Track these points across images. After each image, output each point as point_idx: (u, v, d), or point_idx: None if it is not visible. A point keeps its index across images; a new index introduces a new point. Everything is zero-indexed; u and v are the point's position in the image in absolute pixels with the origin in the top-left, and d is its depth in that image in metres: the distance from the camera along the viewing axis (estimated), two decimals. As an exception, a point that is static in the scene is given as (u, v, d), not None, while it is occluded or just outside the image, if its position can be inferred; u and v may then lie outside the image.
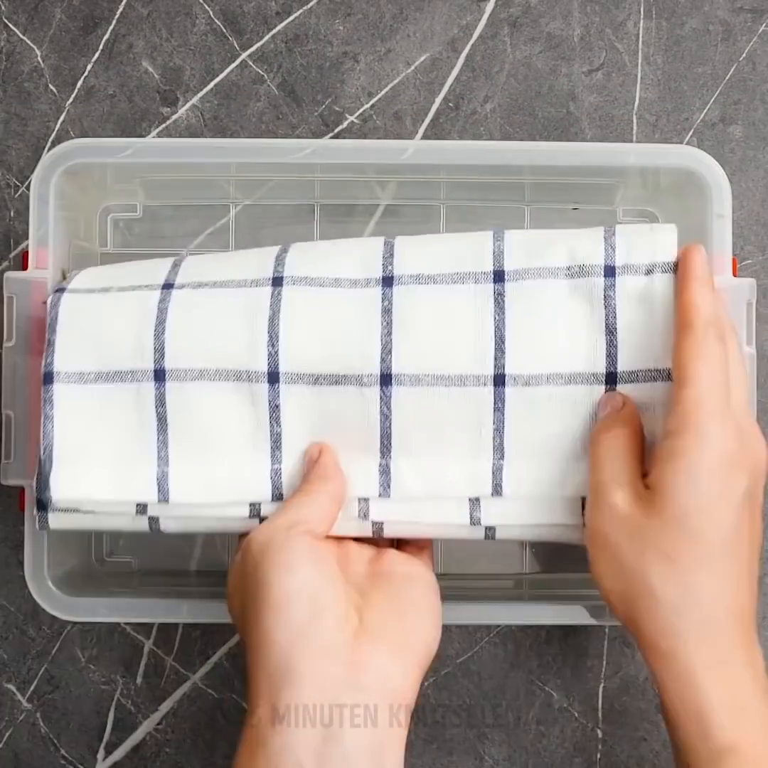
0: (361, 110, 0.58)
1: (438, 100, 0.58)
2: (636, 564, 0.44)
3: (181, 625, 0.57)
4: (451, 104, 0.58)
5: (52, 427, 0.48)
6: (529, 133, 0.58)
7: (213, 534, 0.57)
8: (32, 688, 0.57)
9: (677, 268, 0.47)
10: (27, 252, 0.50)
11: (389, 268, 0.48)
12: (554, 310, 0.47)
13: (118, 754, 0.58)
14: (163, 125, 0.58)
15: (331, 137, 0.58)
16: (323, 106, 0.58)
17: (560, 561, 0.57)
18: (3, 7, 0.58)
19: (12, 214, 0.58)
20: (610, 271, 0.48)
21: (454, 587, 0.55)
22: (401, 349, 0.47)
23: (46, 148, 0.58)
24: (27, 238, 0.57)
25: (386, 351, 0.47)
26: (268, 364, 0.47)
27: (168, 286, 0.49)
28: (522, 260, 0.48)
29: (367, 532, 0.49)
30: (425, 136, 0.58)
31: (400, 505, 0.49)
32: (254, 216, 0.57)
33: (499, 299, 0.47)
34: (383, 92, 0.58)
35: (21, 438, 0.50)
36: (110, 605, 0.51)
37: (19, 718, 0.57)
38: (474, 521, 0.49)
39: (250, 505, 0.48)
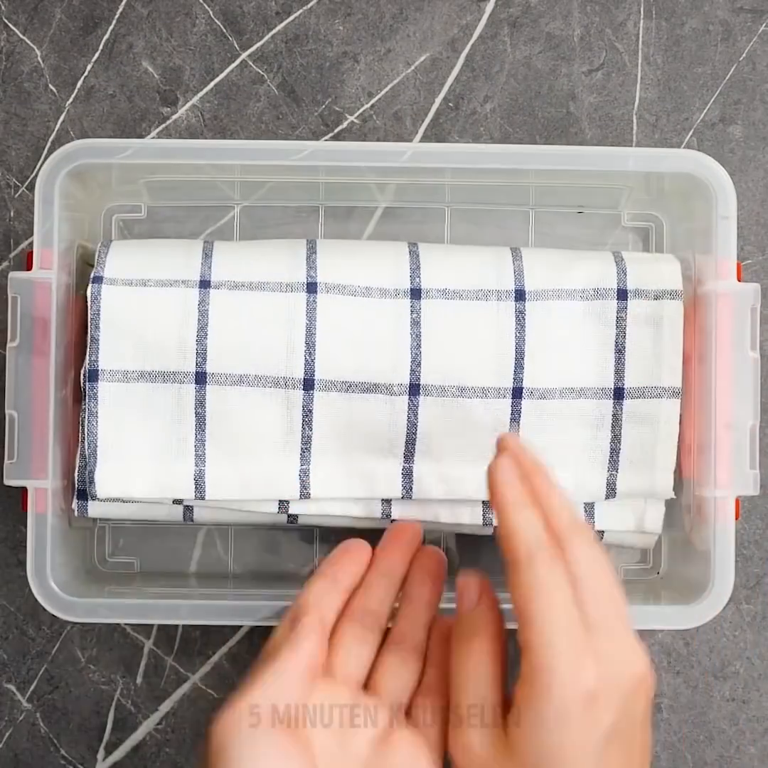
0: (361, 110, 0.58)
1: (438, 100, 0.58)
2: None
3: (181, 625, 0.58)
4: (451, 104, 0.58)
5: (97, 423, 0.51)
6: (529, 133, 0.58)
7: (214, 536, 0.57)
8: (32, 688, 0.57)
9: (683, 295, 0.51)
10: (31, 252, 0.50)
11: (417, 280, 0.51)
12: (570, 329, 0.52)
13: (118, 754, 0.58)
14: (163, 125, 0.58)
15: (331, 137, 0.58)
16: (323, 106, 0.58)
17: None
18: (3, 7, 0.58)
19: (12, 214, 0.58)
20: (622, 295, 0.52)
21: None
22: (430, 361, 0.51)
23: (46, 148, 0.58)
24: (27, 238, 0.57)
25: (415, 363, 0.51)
26: (305, 371, 0.50)
27: (205, 283, 0.51)
28: (541, 281, 0.52)
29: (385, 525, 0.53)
30: (425, 136, 0.58)
31: (420, 506, 0.53)
32: (256, 217, 0.57)
33: (519, 317, 0.51)
34: (383, 92, 0.58)
35: (25, 438, 0.50)
36: (111, 606, 0.51)
37: (19, 718, 0.57)
38: (486, 523, 0.53)
39: (280, 502, 0.52)
